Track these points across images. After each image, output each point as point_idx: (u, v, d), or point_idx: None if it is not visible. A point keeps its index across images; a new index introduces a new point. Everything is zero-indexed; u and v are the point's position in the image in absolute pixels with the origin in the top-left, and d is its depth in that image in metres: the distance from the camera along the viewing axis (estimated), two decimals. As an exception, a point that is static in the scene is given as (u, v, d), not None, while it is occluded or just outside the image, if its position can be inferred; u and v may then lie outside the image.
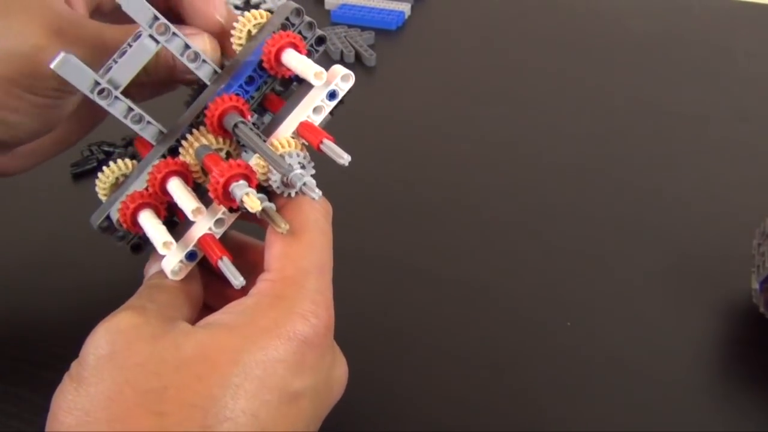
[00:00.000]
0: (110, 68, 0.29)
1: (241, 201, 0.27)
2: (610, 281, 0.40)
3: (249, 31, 0.31)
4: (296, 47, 0.30)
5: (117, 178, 0.31)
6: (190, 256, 0.29)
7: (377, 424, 0.32)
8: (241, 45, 0.31)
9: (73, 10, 0.31)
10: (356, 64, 0.63)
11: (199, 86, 0.33)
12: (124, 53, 0.29)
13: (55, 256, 0.41)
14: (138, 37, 0.29)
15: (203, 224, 0.29)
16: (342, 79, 0.30)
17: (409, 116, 0.56)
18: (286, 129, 0.30)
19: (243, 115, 0.30)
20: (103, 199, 0.31)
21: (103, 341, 0.25)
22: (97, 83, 0.28)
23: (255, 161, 0.29)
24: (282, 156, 0.28)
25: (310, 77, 0.29)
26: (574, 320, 0.38)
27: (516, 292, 0.40)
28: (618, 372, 0.35)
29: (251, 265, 0.30)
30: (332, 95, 0.30)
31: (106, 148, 0.49)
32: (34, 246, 0.42)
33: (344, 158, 0.27)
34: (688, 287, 0.40)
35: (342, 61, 0.63)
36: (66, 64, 0.27)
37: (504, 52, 0.66)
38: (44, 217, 0.44)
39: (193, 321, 0.27)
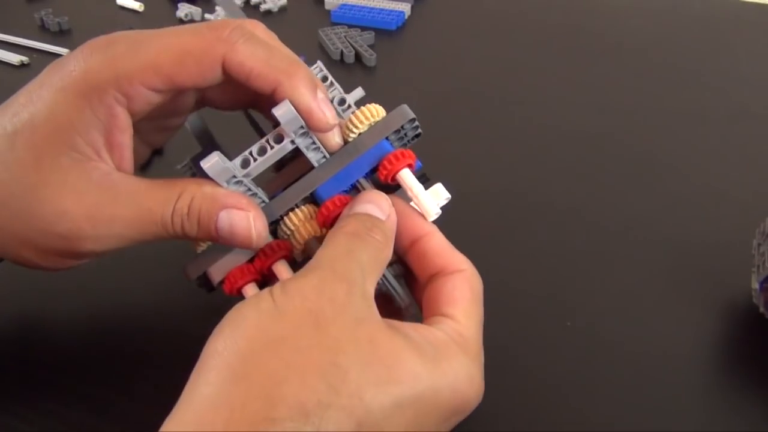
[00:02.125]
0: (248, 163, 0.31)
1: None
2: (609, 281, 0.40)
3: (361, 132, 0.33)
4: (411, 167, 0.33)
5: None
6: None
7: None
8: (353, 137, 0.33)
9: (110, 177, 0.30)
10: (356, 64, 0.63)
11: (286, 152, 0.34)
12: (263, 152, 0.31)
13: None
14: (280, 140, 0.31)
15: None
16: (444, 199, 0.33)
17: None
18: None
19: None
20: (199, 249, 0.33)
21: (313, 294, 0.25)
22: (234, 176, 0.30)
23: None
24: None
25: (429, 215, 0.32)
26: (574, 320, 0.38)
27: (515, 291, 0.40)
28: (617, 372, 0.35)
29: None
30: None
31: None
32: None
33: (404, 301, 0.31)
34: (688, 287, 0.40)
35: (342, 61, 0.63)
36: (215, 167, 0.29)
37: (504, 51, 0.66)
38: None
39: None
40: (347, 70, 0.62)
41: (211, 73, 0.30)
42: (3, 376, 0.34)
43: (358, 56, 0.63)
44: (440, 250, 0.31)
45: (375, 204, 0.30)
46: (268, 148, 0.31)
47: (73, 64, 0.29)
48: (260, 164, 0.31)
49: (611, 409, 0.33)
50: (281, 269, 0.32)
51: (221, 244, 0.31)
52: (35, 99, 0.29)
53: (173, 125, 0.35)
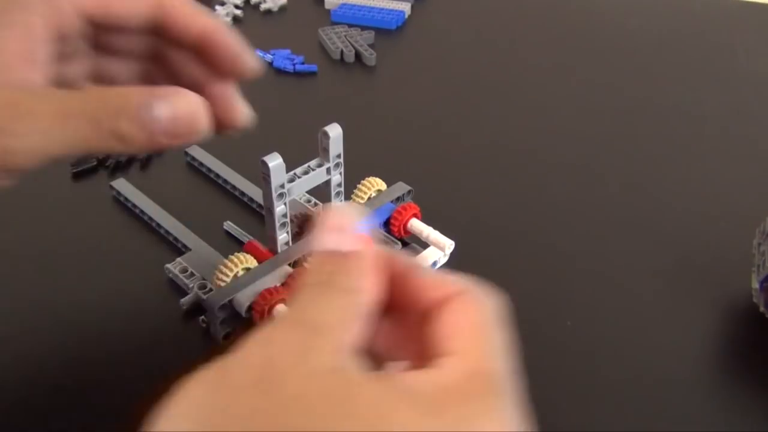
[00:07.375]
0: (293, 180, 0.34)
1: None
2: (610, 281, 0.40)
3: (370, 196, 0.40)
4: (417, 216, 0.40)
5: (238, 272, 0.34)
6: None
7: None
8: (360, 201, 0.39)
9: (30, 83, 0.27)
10: (356, 63, 0.63)
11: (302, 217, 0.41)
12: (306, 173, 0.35)
13: (54, 254, 0.41)
14: (320, 165, 0.36)
15: None
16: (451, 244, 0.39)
17: (408, 115, 0.56)
18: None
19: None
20: (221, 284, 0.34)
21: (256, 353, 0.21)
22: (282, 186, 0.33)
23: None
24: None
25: (446, 249, 0.38)
26: (574, 320, 0.38)
27: (516, 291, 0.39)
28: (618, 371, 0.35)
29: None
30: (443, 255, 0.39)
31: (106, 148, 0.49)
32: (34, 244, 0.42)
33: None
34: (689, 287, 0.40)
35: (342, 61, 0.63)
36: (277, 168, 0.32)
37: (504, 51, 0.66)
38: (44, 215, 0.44)
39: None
40: (347, 70, 0.62)
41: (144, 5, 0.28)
42: (2, 377, 0.34)
43: (358, 56, 0.63)
44: (426, 281, 0.25)
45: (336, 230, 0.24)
46: (310, 170, 0.35)
47: None
48: (302, 183, 0.35)
49: (611, 409, 0.33)
50: None
51: (166, 142, 0.27)
52: None
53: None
